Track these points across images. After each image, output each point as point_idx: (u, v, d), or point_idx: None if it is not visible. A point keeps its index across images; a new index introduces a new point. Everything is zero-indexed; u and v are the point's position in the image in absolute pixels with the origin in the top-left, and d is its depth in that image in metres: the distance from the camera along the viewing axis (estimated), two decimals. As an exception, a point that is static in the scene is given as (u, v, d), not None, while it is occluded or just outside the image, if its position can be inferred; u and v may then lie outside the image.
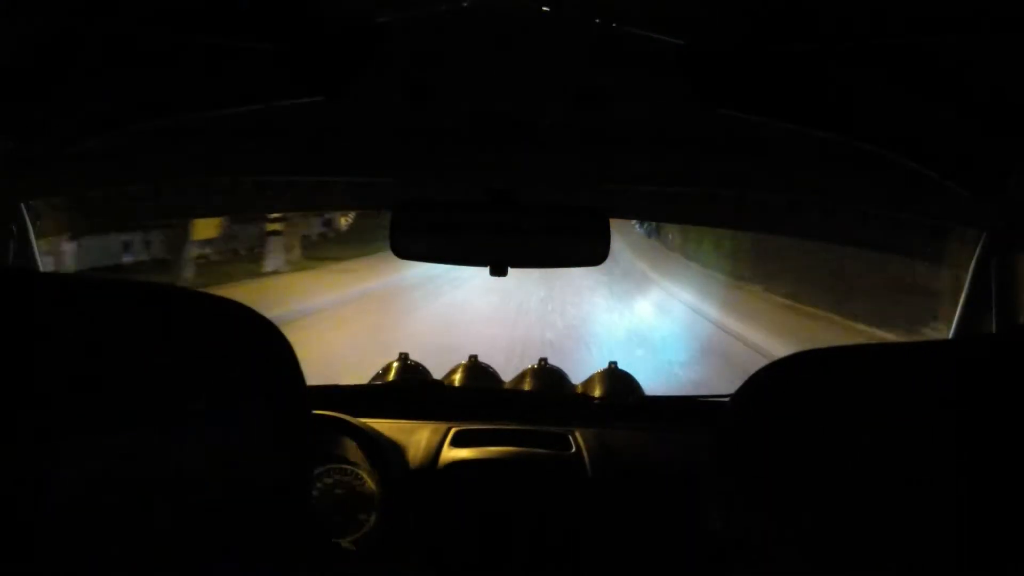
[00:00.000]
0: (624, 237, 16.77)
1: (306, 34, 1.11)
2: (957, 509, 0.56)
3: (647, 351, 7.38)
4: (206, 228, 10.61)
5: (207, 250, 11.27)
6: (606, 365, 1.95)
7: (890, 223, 1.61)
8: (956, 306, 1.43)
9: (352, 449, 1.42)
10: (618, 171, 1.53)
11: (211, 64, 1.17)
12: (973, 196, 1.28)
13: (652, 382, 2.02)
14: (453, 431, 1.51)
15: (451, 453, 1.44)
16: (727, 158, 1.47)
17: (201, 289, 0.64)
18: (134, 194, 1.64)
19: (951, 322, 1.46)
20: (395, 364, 1.95)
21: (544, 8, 1.03)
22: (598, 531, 1.39)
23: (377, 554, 1.35)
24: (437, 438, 1.48)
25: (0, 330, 0.54)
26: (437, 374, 1.95)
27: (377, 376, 1.95)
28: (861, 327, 7.97)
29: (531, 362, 2.01)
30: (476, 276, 9.97)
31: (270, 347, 0.60)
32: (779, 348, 6.59)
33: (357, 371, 2.16)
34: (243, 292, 8.80)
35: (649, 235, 20.30)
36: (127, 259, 9.17)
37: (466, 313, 8.35)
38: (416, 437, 1.49)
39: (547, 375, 1.96)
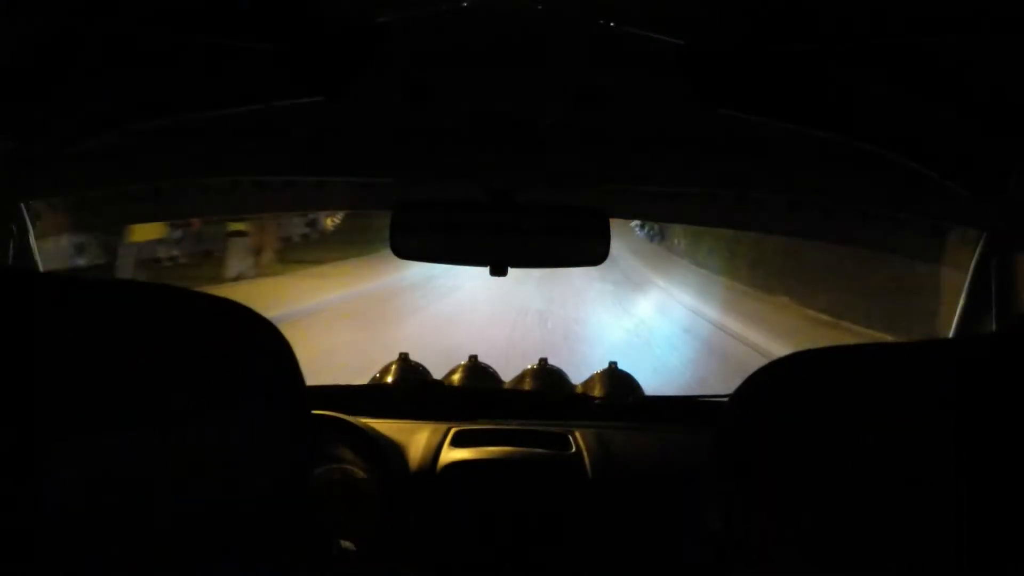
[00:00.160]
0: (623, 239, 15.92)
1: (306, 34, 1.11)
2: (957, 509, 0.56)
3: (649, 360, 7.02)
4: (151, 228, 9.34)
5: (159, 253, 10.29)
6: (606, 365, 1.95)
7: (890, 223, 1.61)
8: (956, 306, 1.44)
9: (352, 449, 1.42)
10: (618, 171, 1.53)
11: (211, 64, 1.17)
12: (973, 196, 1.28)
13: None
14: (453, 431, 1.51)
15: (451, 453, 1.44)
16: (727, 158, 1.47)
17: None
18: (134, 194, 1.64)
19: (951, 322, 1.46)
20: (395, 364, 1.95)
21: (544, 8, 1.03)
22: (598, 531, 1.38)
23: (377, 554, 1.35)
24: (437, 438, 1.48)
25: (0, 330, 0.54)
26: (437, 374, 1.95)
27: (377, 376, 1.95)
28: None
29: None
30: (465, 298, 9.52)
31: (270, 347, 0.61)
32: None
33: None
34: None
35: (652, 239, 18.37)
36: (79, 262, 8.39)
37: (452, 339, 7.01)
38: (416, 437, 1.49)
39: (547, 375, 1.96)
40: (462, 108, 1.39)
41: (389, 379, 1.90)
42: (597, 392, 1.83)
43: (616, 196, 1.67)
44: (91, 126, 1.27)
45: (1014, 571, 0.55)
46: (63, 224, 1.63)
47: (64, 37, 1.09)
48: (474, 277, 10.89)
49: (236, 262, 10.99)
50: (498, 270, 1.47)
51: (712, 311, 10.33)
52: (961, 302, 1.42)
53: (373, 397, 1.73)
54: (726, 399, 0.64)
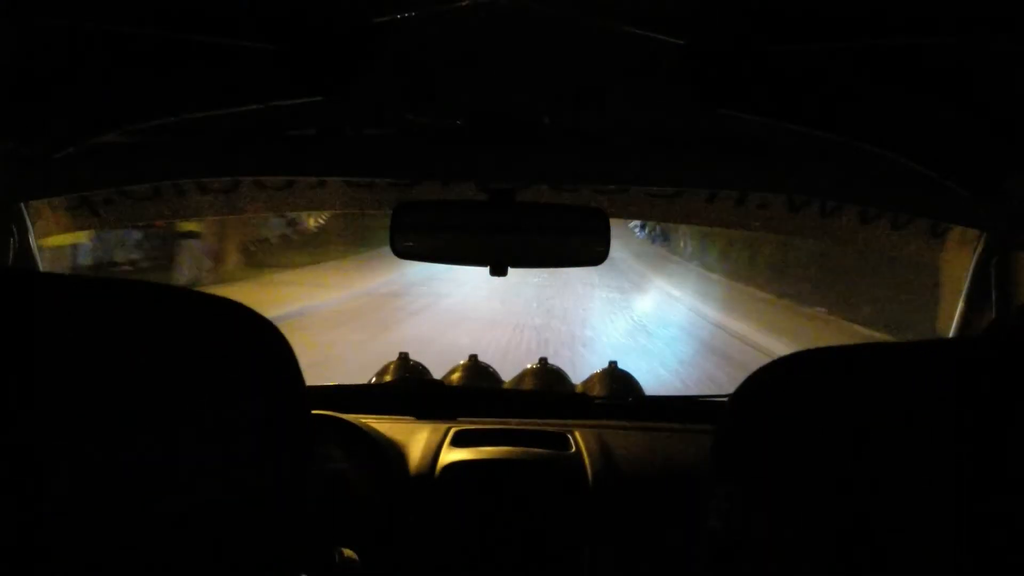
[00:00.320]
0: (621, 240, 15.00)
1: (306, 34, 1.11)
2: (957, 509, 0.56)
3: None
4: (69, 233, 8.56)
5: (88, 260, 9.10)
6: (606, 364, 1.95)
7: (890, 223, 1.61)
8: (955, 306, 1.44)
9: (351, 449, 1.42)
10: (618, 171, 1.53)
11: (211, 64, 1.17)
12: (973, 196, 1.28)
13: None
14: (453, 431, 1.51)
15: (451, 453, 1.44)
16: (727, 158, 1.48)
17: None
18: (134, 194, 1.64)
19: (950, 322, 1.46)
20: (395, 364, 1.95)
21: (544, 8, 1.03)
22: (598, 531, 1.38)
23: (377, 554, 1.35)
24: (437, 438, 1.48)
25: (0, 330, 0.54)
26: (437, 374, 1.95)
27: (377, 376, 1.95)
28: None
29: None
30: (455, 307, 9.10)
31: (270, 347, 0.61)
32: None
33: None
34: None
35: (653, 240, 17.48)
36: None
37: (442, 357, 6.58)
38: (416, 437, 1.49)
39: (547, 375, 1.96)
40: (462, 108, 1.39)
41: (388, 379, 1.90)
42: (597, 392, 1.83)
43: (616, 196, 1.67)
44: (91, 126, 1.27)
45: (1014, 571, 0.55)
46: (63, 224, 1.63)
47: (64, 37, 1.09)
48: (463, 284, 10.60)
49: (187, 267, 10.02)
50: (498, 270, 1.47)
51: (739, 325, 9.40)
52: (961, 302, 1.42)
53: (373, 397, 1.73)
54: (726, 399, 0.64)
